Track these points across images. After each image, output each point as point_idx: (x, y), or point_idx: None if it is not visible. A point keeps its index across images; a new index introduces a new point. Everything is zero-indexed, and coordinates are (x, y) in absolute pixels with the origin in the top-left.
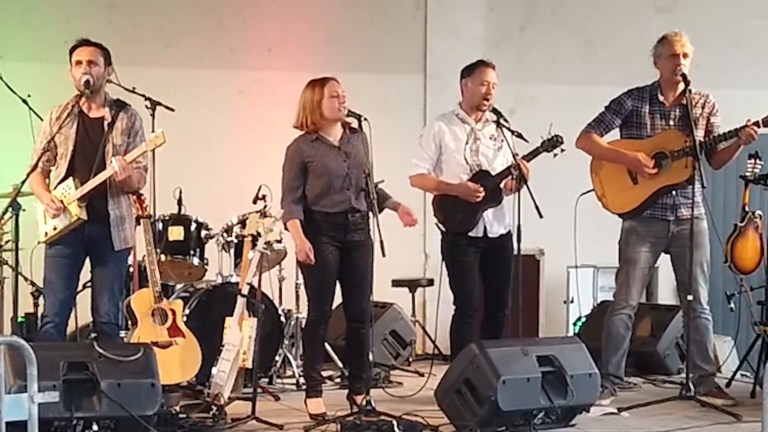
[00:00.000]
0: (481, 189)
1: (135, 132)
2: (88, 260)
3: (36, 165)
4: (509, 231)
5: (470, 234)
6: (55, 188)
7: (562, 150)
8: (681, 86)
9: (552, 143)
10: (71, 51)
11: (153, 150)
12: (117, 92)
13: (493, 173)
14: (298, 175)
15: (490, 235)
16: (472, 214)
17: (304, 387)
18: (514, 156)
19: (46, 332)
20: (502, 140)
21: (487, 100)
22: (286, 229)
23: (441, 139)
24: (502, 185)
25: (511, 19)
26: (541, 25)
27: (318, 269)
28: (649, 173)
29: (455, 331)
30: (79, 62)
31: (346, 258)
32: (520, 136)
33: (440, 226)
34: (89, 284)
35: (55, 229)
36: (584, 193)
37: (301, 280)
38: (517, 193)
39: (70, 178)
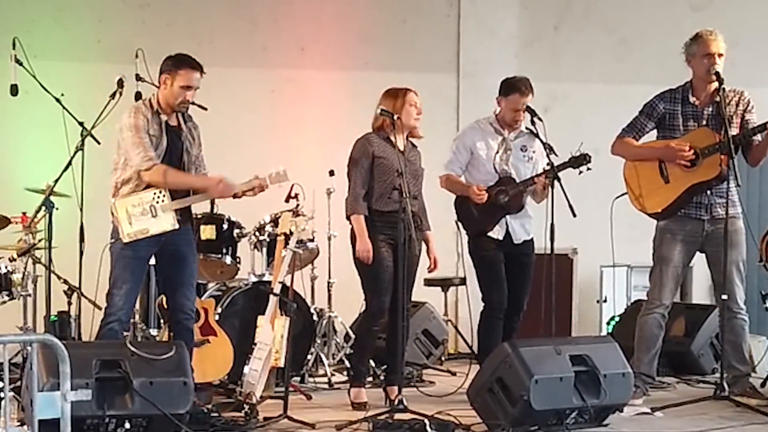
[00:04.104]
0: (484, 193)
1: (200, 142)
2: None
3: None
4: (532, 237)
5: (490, 235)
6: (144, 190)
7: (589, 169)
8: (714, 85)
9: (579, 161)
10: (178, 64)
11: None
12: (150, 90)
13: (518, 181)
14: (368, 168)
15: (514, 242)
16: (489, 216)
17: (349, 376)
18: (550, 161)
19: (111, 330)
20: (534, 152)
21: (517, 122)
22: (347, 220)
23: (472, 147)
24: (526, 194)
25: (544, 18)
26: (575, 24)
27: (375, 266)
28: (684, 156)
29: (483, 328)
30: (189, 87)
31: (396, 254)
32: (551, 149)
33: (459, 225)
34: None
35: (144, 232)
36: (619, 197)
37: (334, 279)
38: (550, 193)
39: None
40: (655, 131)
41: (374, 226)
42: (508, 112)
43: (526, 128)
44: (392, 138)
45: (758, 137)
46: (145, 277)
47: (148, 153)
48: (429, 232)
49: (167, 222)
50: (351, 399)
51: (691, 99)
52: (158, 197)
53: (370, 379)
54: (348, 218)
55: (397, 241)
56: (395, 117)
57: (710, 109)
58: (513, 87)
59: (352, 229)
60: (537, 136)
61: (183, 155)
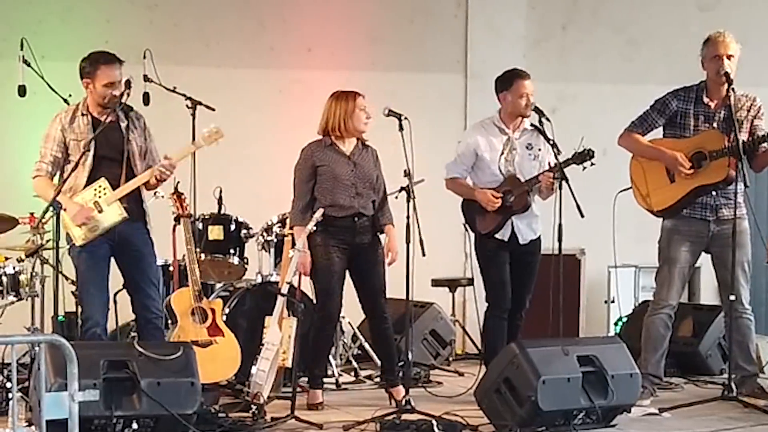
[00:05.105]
0: (498, 199)
1: (148, 131)
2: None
3: (49, 171)
4: (539, 236)
5: (496, 236)
6: (83, 190)
7: (592, 164)
8: (726, 87)
9: (582, 157)
10: (94, 63)
11: (210, 145)
12: (158, 91)
13: (523, 180)
14: (308, 178)
15: (521, 242)
16: (495, 218)
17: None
18: (557, 159)
19: (94, 335)
20: (539, 149)
21: (528, 108)
22: (290, 231)
23: (477, 149)
24: (532, 192)
25: (552, 18)
26: (583, 24)
27: (324, 273)
28: (685, 173)
29: (487, 328)
30: (112, 83)
31: (356, 260)
32: (555, 146)
33: (467, 227)
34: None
35: (94, 230)
36: (622, 191)
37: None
38: (558, 193)
39: (102, 179)
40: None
41: (327, 231)
42: (517, 102)
43: (531, 125)
44: (337, 143)
45: (765, 144)
46: None
47: (40, 163)
48: (389, 226)
49: (114, 213)
50: (308, 402)
51: (705, 99)
52: (99, 192)
53: (377, 379)
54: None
55: (352, 246)
56: (402, 117)
57: (722, 112)
58: (513, 75)
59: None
60: (542, 132)
61: (125, 148)
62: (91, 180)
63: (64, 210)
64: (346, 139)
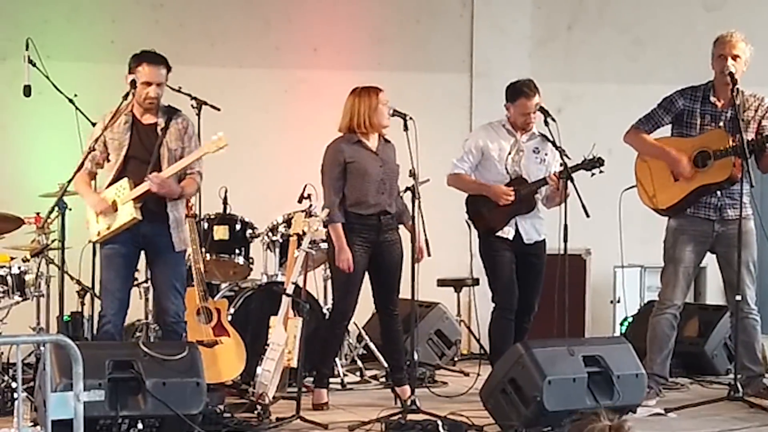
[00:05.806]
0: (512, 193)
1: (189, 136)
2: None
3: (82, 165)
4: (544, 239)
5: (499, 235)
6: (106, 188)
7: (601, 171)
8: (731, 87)
9: (592, 164)
10: (137, 60)
11: (215, 152)
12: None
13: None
14: (340, 175)
15: (525, 242)
16: (500, 215)
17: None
18: (564, 164)
19: (106, 332)
20: (546, 154)
21: (529, 124)
22: (325, 227)
23: (484, 147)
24: (539, 195)
25: (558, 18)
26: (588, 24)
27: (345, 270)
28: (684, 177)
29: (494, 329)
30: (148, 83)
31: (378, 257)
32: (563, 152)
33: (470, 223)
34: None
35: (108, 228)
36: (627, 189)
37: None
38: (564, 195)
39: (125, 179)
40: (669, 126)
41: (352, 229)
42: (519, 117)
43: (539, 133)
44: (363, 139)
45: None
46: None
47: (82, 159)
48: (411, 223)
49: (126, 214)
50: (313, 402)
51: (712, 99)
52: (119, 192)
53: (383, 379)
54: (325, 226)
55: (375, 244)
56: (407, 117)
57: (730, 111)
58: (518, 92)
59: (328, 234)
60: (551, 141)
61: (157, 151)
62: (117, 179)
63: (87, 205)
64: (370, 135)
